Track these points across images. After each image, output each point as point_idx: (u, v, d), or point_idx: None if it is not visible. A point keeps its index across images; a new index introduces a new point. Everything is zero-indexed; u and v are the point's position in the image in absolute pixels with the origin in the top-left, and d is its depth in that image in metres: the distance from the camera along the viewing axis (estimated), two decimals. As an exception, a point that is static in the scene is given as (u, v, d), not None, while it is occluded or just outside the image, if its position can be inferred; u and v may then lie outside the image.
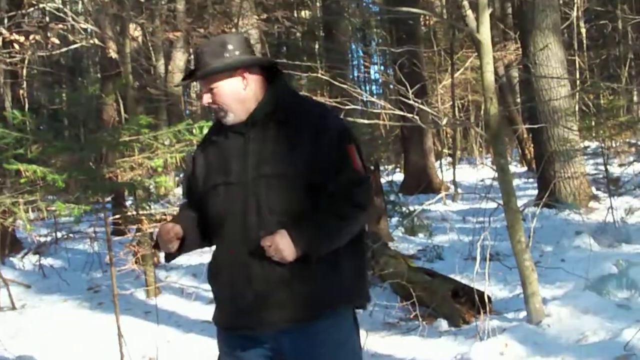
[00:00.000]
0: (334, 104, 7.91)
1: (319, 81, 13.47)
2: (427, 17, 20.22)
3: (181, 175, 16.12)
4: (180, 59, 17.60)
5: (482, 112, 25.04)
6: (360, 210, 3.21)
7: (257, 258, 3.17)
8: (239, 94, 3.30)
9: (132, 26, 12.18)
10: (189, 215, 3.46)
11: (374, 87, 33.60)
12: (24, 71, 16.08)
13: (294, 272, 3.15)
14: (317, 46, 20.25)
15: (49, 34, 11.80)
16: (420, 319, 7.04)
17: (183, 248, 3.42)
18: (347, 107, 7.60)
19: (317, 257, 3.13)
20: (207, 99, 3.33)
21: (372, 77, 34.78)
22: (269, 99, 3.32)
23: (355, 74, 32.22)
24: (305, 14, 21.19)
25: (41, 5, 10.19)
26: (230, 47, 3.30)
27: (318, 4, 17.54)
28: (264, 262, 3.15)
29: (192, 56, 23.11)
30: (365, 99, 9.87)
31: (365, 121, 9.56)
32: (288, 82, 3.53)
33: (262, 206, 3.21)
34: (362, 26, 27.47)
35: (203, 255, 10.81)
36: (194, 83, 26.95)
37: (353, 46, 30.99)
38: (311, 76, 9.82)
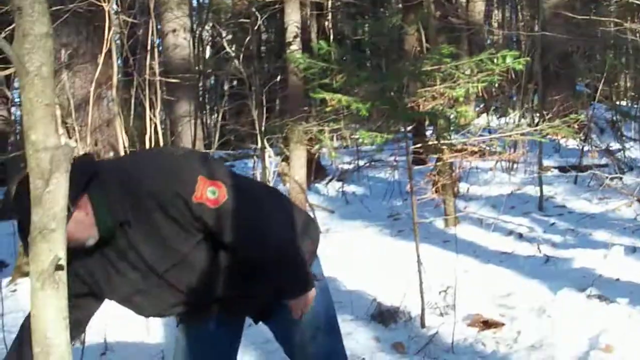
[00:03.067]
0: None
1: None
2: None
3: (481, 106, 16.00)
4: (482, -14, 17.35)
5: None
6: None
7: None
8: (84, 223, 2.93)
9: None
10: None
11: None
12: (329, 3, 16.58)
13: None
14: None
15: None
16: None
17: None
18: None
19: None
20: None
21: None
22: (103, 216, 2.94)
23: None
24: None
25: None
26: None
27: None
28: None
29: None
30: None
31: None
32: (101, 184, 2.97)
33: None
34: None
35: (502, 187, 10.73)
36: (495, 11, 26.59)
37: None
38: None
